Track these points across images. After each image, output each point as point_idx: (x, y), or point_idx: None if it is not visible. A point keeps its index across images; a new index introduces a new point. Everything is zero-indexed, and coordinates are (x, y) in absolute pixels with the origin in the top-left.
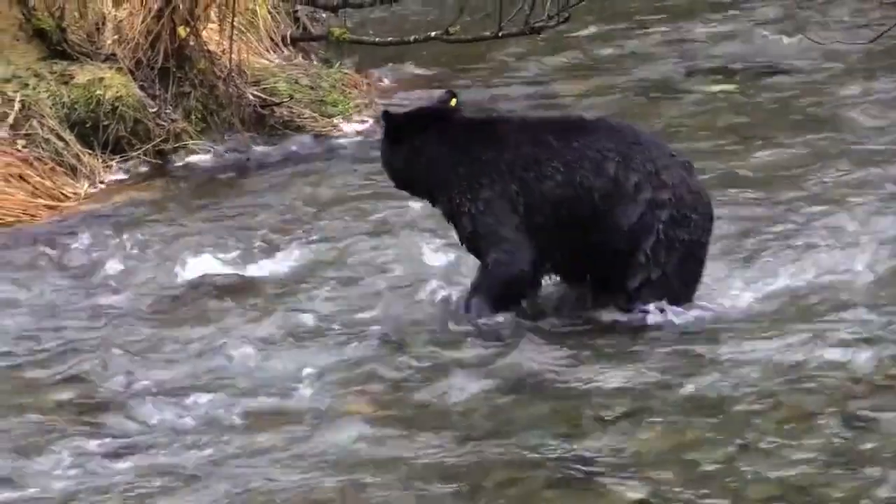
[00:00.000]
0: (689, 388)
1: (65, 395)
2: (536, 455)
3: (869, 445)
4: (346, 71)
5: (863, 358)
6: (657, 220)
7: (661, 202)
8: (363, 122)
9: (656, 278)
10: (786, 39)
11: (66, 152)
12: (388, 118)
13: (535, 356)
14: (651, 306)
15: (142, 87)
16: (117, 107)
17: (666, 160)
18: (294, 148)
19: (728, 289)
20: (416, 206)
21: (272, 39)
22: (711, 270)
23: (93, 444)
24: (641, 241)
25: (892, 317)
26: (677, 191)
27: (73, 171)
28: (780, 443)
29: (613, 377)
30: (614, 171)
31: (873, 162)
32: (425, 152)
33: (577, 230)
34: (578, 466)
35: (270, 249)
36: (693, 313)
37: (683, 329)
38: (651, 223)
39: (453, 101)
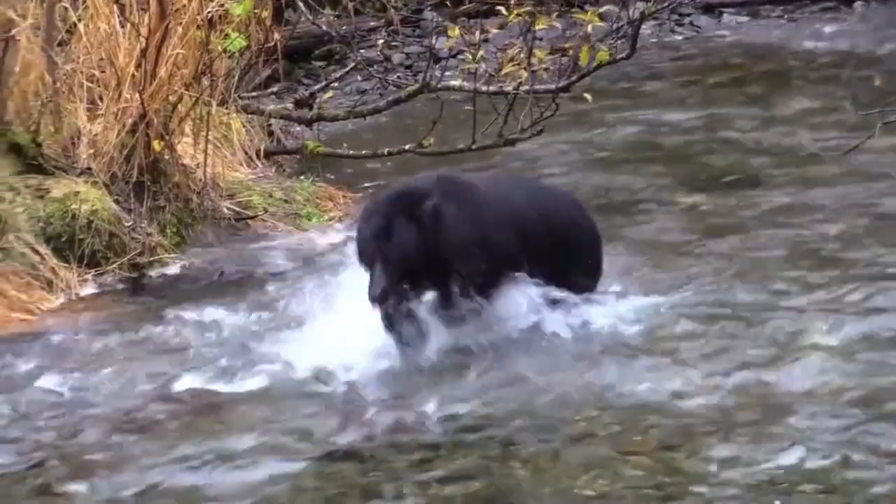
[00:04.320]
0: None
1: None
2: None
3: None
4: (320, 184)
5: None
6: None
7: None
8: (339, 235)
9: None
10: (764, 147)
11: (41, 266)
12: None
13: None
14: None
15: (117, 201)
16: (93, 221)
17: None
18: (269, 262)
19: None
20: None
21: (246, 153)
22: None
23: None
24: None
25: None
26: None
27: (49, 285)
28: None
29: None
30: None
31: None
32: None
33: None
34: None
35: (246, 365)
36: None
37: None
38: None
39: None
